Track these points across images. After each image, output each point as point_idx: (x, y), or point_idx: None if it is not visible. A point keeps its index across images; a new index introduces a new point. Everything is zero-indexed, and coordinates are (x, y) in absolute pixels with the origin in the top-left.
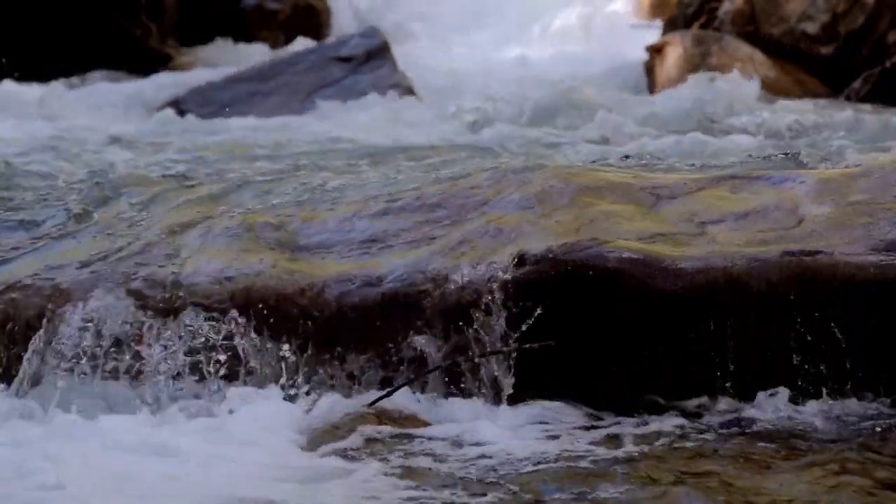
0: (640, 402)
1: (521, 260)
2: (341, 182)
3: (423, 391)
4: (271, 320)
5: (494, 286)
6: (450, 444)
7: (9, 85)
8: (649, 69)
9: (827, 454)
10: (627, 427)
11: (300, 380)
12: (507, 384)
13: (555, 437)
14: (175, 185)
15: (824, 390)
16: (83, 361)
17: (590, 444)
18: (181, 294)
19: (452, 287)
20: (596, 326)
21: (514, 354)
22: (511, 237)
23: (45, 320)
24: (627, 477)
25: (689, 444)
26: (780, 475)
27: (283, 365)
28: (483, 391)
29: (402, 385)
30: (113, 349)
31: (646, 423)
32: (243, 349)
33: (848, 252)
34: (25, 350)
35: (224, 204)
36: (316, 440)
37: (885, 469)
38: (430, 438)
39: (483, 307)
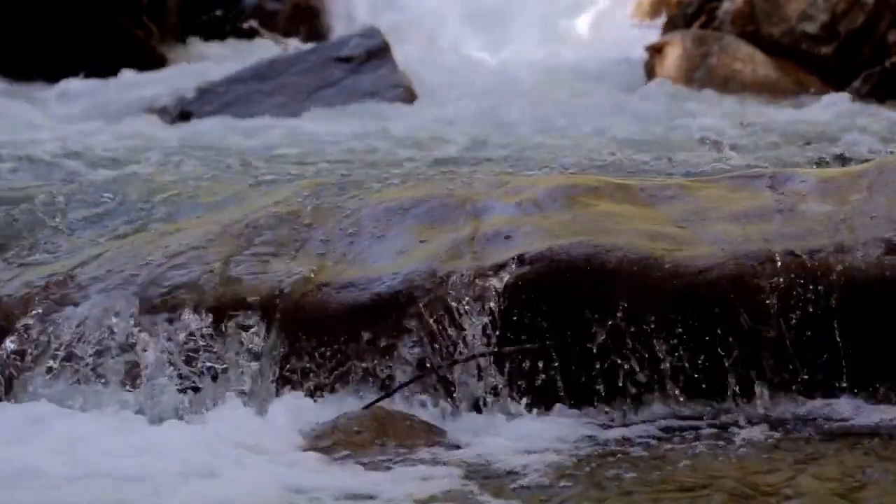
0: (641, 403)
1: (521, 260)
2: (341, 184)
3: (422, 393)
4: (268, 322)
5: (494, 287)
6: (449, 448)
7: (9, 85)
8: (649, 69)
9: (827, 453)
10: (628, 429)
11: (297, 382)
12: (506, 384)
13: (553, 439)
14: (174, 186)
15: (825, 389)
16: (83, 363)
17: (587, 447)
18: (179, 295)
19: (451, 288)
20: (596, 326)
21: (512, 355)
22: (511, 238)
23: (49, 322)
24: (633, 482)
25: (689, 446)
26: (786, 474)
27: (280, 367)
28: (481, 393)
29: (399, 388)
30: (114, 352)
31: (648, 423)
32: (241, 352)
33: (849, 252)
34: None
35: (222, 203)
36: (314, 443)
37: (883, 472)
38: (421, 441)
39: (482, 308)
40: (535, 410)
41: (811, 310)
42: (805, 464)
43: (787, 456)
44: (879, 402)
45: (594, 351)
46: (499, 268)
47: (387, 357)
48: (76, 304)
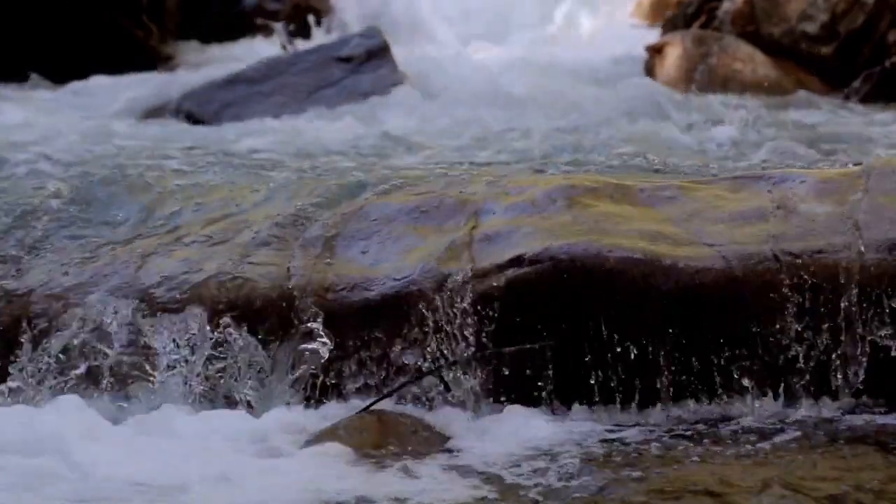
0: (641, 403)
1: (520, 261)
2: (341, 184)
3: (423, 394)
4: (267, 322)
5: (493, 287)
6: (451, 449)
7: (7, 87)
8: (649, 69)
9: (829, 454)
10: (632, 430)
11: (299, 383)
12: (506, 385)
13: (554, 440)
14: (174, 188)
15: (825, 390)
16: (86, 366)
17: (589, 448)
18: (182, 298)
19: (451, 289)
20: (595, 327)
21: (512, 355)
22: (510, 239)
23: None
24: (642, 486)
25: (689, 447)
26: (796, 476)
27: (281, 369)
28: (481, 393)
29: (399, 388)
30: (114, 353)
31: (652, 425)
32: (242, 354)
33: (848, 252)
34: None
35: (224, 205)
36: (317, 445)
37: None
38: (423, 441)
39: (482, 308)
40: (535, 412)
41: (812, 310)
42: (814, 467)
43: (796, 458)
44: (888, 404)
45: (594, 352)
46: (498, 268)
47: (387, 357)
48: (80, 306)
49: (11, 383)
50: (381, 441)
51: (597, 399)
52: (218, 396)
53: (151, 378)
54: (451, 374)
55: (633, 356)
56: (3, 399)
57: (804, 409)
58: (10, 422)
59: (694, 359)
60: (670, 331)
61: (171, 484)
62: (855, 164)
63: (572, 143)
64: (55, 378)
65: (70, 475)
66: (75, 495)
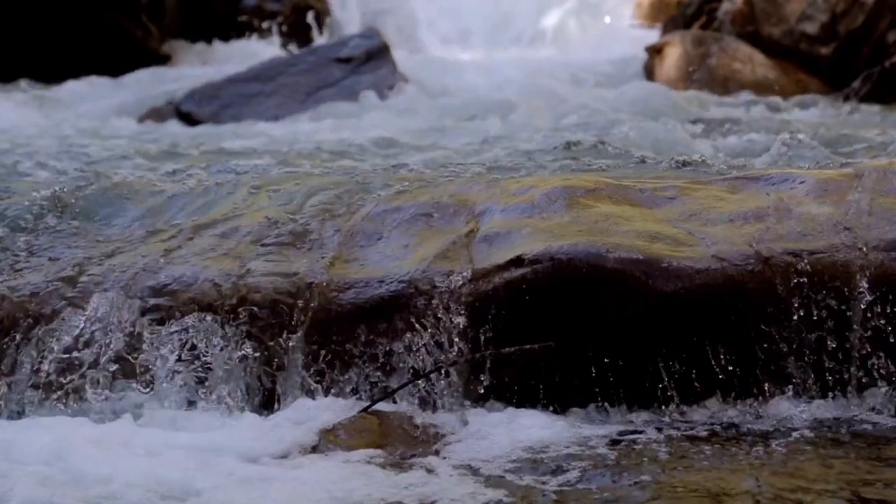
0: (641, 405)
1: (520, 261)
2: (340, 185)
3: (424, 394)
4: (267, 322)
5: (493, 288)
6: (452, 450)
7: (9, 86)
8: (649, 70)
9: (828, 455)
10: (631, 431)
11: (298, 384)
12: (506, 386)
13: (554, 441)
14: (173, 188)
15: (825, 391)
16: (88, 366)
17: (589, 448)
18: (179, 297)
19: (450, 290)
20: (595, 327)
21: (512, 356)
22: (509, 239)
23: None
24: (637, 486)
25: (692, 449)
26: (804, 478)
27: (281, 370)
28: (482, 394)
29: (398, 389)
30: (116, 358)
31: (648, 426)
32: (241, 355)
33: (848, 252)
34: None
35: (223, 207)
36: (317, 446)
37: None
38: (425, 442)
39: (482, 309)
40: (535, 412)
41: (811, 311)
42: (818, 469)
43: (799, 460)
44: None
45: (594, 353)
46: (498, 269)
47: (387, 358)
48: (81, 306)
49: (10, 390)
50: (381, 442)
51: (598, 400)
52: (220, 399)
53: (154, 383)
54: (451, 375)
55: (633, 357)
56: (3, 407)
57: (807, 411)
58: (10, 430)
59: (694, 360)
60: (670, 332)
61: (187, 489)
62: (854, 165)
63: (572, 143)
64: (57, 383)
65: (84, 483)
66: (95, 502)
